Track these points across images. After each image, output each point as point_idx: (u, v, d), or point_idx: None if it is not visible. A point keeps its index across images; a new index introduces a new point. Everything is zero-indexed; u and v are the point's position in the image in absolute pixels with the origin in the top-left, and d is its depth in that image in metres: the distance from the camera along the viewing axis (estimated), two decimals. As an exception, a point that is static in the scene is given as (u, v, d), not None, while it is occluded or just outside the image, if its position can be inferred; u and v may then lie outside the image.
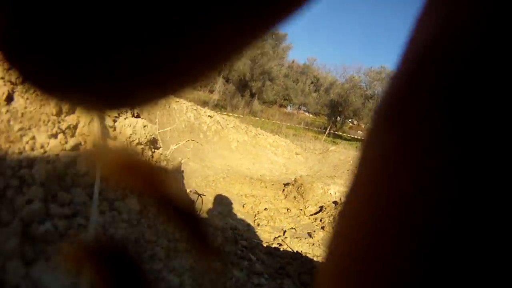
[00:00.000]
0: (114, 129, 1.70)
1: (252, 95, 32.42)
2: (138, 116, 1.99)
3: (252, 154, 10.44)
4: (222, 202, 5.36)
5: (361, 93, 33.36)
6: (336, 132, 32.03)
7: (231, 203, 5.49)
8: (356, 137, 35.23)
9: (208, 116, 10.86)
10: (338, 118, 37.03)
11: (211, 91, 35.87)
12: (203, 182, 6.41)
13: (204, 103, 28.25)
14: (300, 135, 20.95)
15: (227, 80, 32.51)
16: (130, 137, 1.72)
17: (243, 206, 5.63)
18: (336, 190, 6.96)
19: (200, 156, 8.07)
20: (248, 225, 4.72)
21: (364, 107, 32.63)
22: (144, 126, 1.84)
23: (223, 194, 5.89)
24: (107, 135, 1.59)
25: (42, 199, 1.16)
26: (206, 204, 5.02)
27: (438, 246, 0.16)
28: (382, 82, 32.61)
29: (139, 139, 1.77)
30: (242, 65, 30.64)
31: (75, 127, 1.42)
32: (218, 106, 30.80)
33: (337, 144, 20.98)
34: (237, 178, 7.49)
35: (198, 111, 10.70)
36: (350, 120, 41.17)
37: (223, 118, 11.95)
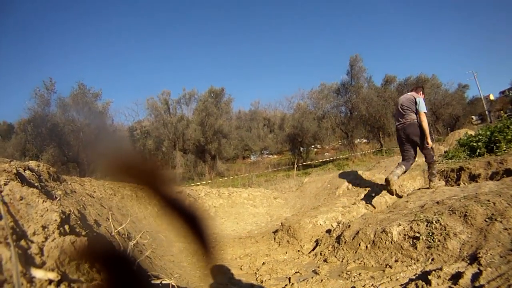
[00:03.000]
0: (41, 255, 1.63)
1: (213, 157, 32.54)
2: (66, 233, 1.95)
3: (232, 214, 10.31)
4: (219, 271, 5.16)
5: (313, 116, 33.93)
6: (305, 163, 32.27)
7: (228, 270, 5.31)
8: (325, 159, 35.61)
9: (177, 192, 10.70)
10: (301, 149, 37.49)
11: (173, 167, 35.83)
12: (194, 259, 6.19)
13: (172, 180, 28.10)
14: (272, 179, 20.95)
15: (184, 152, 32.62)
16: (59, 258, 1.67)
17: (241, 268, 5.45)
18: (324, 218, 6.91)
19: (183, 233, 7.85)
20: (252, 285, 4.55)
21: (320, 128, 33.13)
22: (73, 242, 1.81)
23: (218, 263, 5.70)
24: (33, 264, 1.53)
25: None
26: (203, 278, 4.83)
27: None
28: (327, 98, 33.31)
29: (69, 257, 1.72)
30: (193, 132, 30.84)
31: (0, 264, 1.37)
32: (185, 179, 30.66)
33: (309, 174, 21.13)
34: (226, 243, 7.32)
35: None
36: (312, 146, 41.82)
37: (192, 189, 11.85)
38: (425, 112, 7.30)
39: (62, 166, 21.41)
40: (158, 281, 2.77)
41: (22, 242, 1.63)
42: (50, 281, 1.46)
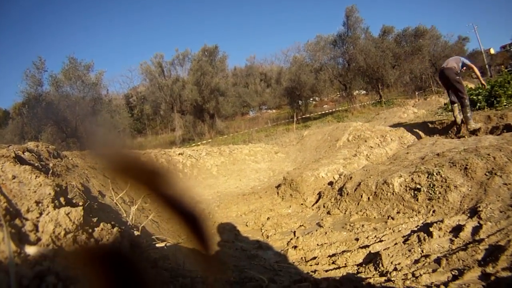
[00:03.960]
0: (36, 231, 1.64)
1: (212, 116, 32.46)
2: (62, 206, 1.94)
3: (235, 172, 10.41)
4: (225, 229, 5.29)
5: (310, 69, 33.52)
6: (304, 116, 32.20)
7: (234, 227, 5.42)
8: (324, 112, 35.53)
9: (179, 154, 10.78)
10: (300, 102, 37.30)
11: (173, 130, 35.84)
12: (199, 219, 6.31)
13: (171, 143, 28.17)
14: (272, 134, 21.01)
15: (182, 113, 32.51)
16: (54, 231, 1.66)
17: (247, 225, 5.56)
18: (326, 171, 6.98)
19: (187, 195, 7.97)
20: (258, 241, 4.66)
21: (318, 81, 32.83)
22: (68, 213, 1.78)
23: (223, 221, 5.82)
24: (27, 241, 1.54)
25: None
26: (211, 237, 4.94)
27: None
28: (324, 50, 32.79)
29: (65, 229, 1.71)
30: (189, 92, 30.60)
31: None
32: (185, 141, 30.77)
33: (309, 126, 21.15)
34: (231, 200, 7.43)
35: (167, 154, 10.62)
36: (311, 99, 41.60)
37: (193, 150, 11.90)
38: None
39: (62, 142, 21.31)
40: (162, 244, 2.81)
41: (17, 221, 1.63)
42: (45, 257, 1.46)
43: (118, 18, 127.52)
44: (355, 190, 5.25)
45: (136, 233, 2.73)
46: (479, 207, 3.42)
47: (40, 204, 1.84)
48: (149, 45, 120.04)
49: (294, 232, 4.77)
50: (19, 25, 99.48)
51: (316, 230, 4.56)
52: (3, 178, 2.02)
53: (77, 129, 23.04)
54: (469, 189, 3.99)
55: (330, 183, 6.32)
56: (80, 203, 2.39)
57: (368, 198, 4.96)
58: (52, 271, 1.35)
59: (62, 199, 2.04)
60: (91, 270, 1.09)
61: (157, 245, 2.77)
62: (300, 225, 5.06)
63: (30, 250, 1.48)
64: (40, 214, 1.76)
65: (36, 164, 2.86)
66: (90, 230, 1.90)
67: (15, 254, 1.38)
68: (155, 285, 1.44)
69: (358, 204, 5.03)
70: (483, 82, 8.14)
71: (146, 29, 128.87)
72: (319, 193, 6.24)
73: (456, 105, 8.31)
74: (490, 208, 3.32)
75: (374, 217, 4.56)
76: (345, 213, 5.03)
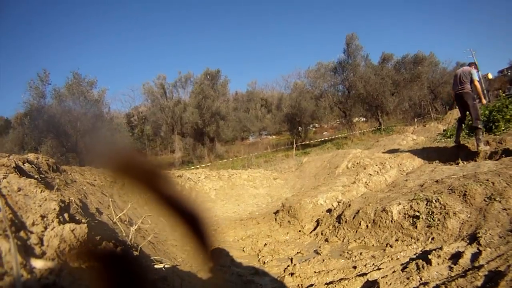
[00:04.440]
0: (41, 245, 1.63)
1: (212, 140, 32.53)
2: (66, 221, 1.94)
3: (233, 196, 10.36)
4: (222, 254, 5.22)
5: (310, 95, 33.81)
6: (304, 143, 32.27)
7: (230, 251, 5.36)
8: (323, 138, 35.61)
9: (178, 176, 10.76)
10: (300, 128, 37.45)
11: (172, 151, 35.88)
12: (196, 242, 6.24)
13: (170, 165, 28.11)
14: (271, 160, 20.97)
15: (183, 135, 32.60)
16: (59, 247, 1.66)
17: (243, 250, 5.51)
18: (324, 198, 6.95)
19: (184, 218, 7.92)
20: (254, 267, 4.60)
21: (318, 107, 33.06)
22: (73, 230, 1.78)
23: (220, 245, 5.75)
24: (32, 254, 1.53)
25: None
26: (207, 261, 4.88)
27: None
28: (324, 77, 33.12)
29: (69, 245, 1.71)
30: (190, 115, 30.76)
31: (0, 257, 1.36)
32: (184, 163, 30.75)
33: (308, 153, 21.17)
34: (228, 225, 7.37)
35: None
36: (311, 126, 41.80)
37: (192, 173, 11.88)
38: (478, 80, 8.20)
39: (61, 156, 21.35)
40: (161, 265, 2.79)
41: (22, 233, 1.63)
42: (51, 271, 1.46)
43: (123, 37, 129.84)
44: (353, 217, 5.21)
45: (135, 253, 2.71)
46: (478, 233, 3.39)
47: (45, 219, 1.84)
48: (152, 65, 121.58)
49: (291, 259, 4.72)
50: (26, 36, 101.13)
51: (314, 258, 4.51)
52: (8, 189, 2.02)
53: (77, 144, 23.10)
54: (468, 215, 3.96)
55: (329, 211, 6.29)
56: (83, 220, 2.40)
57: (367, 225, 4.92)
58: (58, 286, 1.37)
59: (66, 215, 2.04)
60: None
61: (155, 266, 2.75)
62: (297, 252, 5.01)
63: (36, 263, 1.48)
64: (45, 228, 1.76)
65: (36, 177, 2.85)
66: (93, 248, 1.91)
67: (21, 266, 1.38)
68: None
69: (356, 231, 4.98)
70: (483, 100, 8.30)
71: (150, 49, 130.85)
72: (317, 220, 6.20)
73: (463, 125, 8.73)
74: (490, 234, 3.29)
75: (373, 245, 4.51)
76: (343, 241, 4.98)
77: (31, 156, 3.52)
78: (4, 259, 1.38)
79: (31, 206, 1.94)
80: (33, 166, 3.14)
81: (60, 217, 1.95)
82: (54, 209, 1.96)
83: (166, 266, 2.83)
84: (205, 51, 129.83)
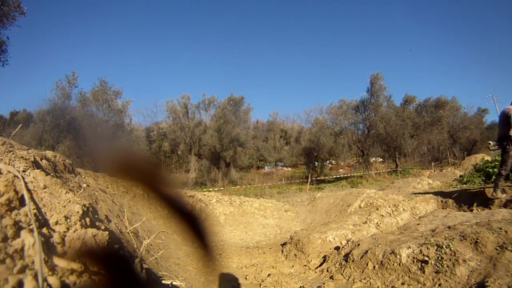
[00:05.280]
0: (63, 245, 1.64)
1: (227, 165, 32.60)
2: (87, 226, 1.96)
3: (242, 223, 10.31)
4: (224, 279, 5.16)
5: (330, 132, 33.83)
6: (319, 178, 32.11)
7: (233, 278, 5.30)
8: (339, 176, 35.40)
9: (189, 196, 10.77)
10: (316, 163, 37.35)
11: (187, 171, 36.03)
12: (199, 263, 6.19)
13: (183, 184, 28.19)
14: (284, 192, 20.88)
15: (199, 157, 32.77)
16: (80, 249, 1.68)
17: (246, 278, 5.45)
18: (334, 235, 6.87)
19: (191, 238, 7.89)
20: (255, 297, 4.54)
21: (337, 144, 32.98)
22: (94, 236, 1.82)
23: (223, 271, 5.70)
24: (55, 253, 1.54)
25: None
26: (208, 284, 4.84)
27: None
28: (346, 115, 33.14)
29: (90, 249, 1.75)
30: (209, 138, 30.98)
31: (22, 250, 1.38)
32: (198, 184, 30.82)
33: (322, 189, 21.01)
34: (234, 251, 7.32)
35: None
36: (327, 161, 41.64)
37: (204, 195, 11.89)
38: None
39: (77, 159, 21.67)
40: (169, 282, 2.78)
41: (44, 230, 1.64)
42: (72, 272, 1.48)
43: (154, 51, 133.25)
44: (361, 257, 5.12)
45: (145, 265, 2.73)
46: (487, 282, 3.30)
47: (68, 220, 1.88)
48: (178, 84, 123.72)
49: (294, 293, 4.65)
50: (60, 36, 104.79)
51: (317, 294, 4.44)
52: (34, 185, 2.05)
53: (95, 150, 23.29)
54: (478, 263, 3.86)
55: (337, 248, 6.20)
56: (103, 227, 2.42)
57: (374, 266, 4.83)
58: (78, 286, 1.40)
59: (88, 220, 2.06)
60: None
61: (163, 281, 2.75)
62: (300, 286, 4.93)
63: (58, 261, 1.50)
64: (68, 229, 1.79)
65: (52, 174, 2.90)
66: (112, 256, 1.93)
67: (43, 262, 1.39)
68: None
69: (362, 272, 4.89)
70: None
71: (178, 68, 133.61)
72: (324, 257, 6.11)
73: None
74: (498, 283, 3.20)
75: (378, 287, 4.42)
76: (348, 280, 4.89)
77: (49, 153, 3.59)
78: (27, 252, 1.40)
79: (56, 205, 1.97)
80: (50, 164, 3.19)
81: (82, 220, 1.98)
82: (78, 212, 1.99)
83: (173, 283, 2.83)
84: (231, 76, 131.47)
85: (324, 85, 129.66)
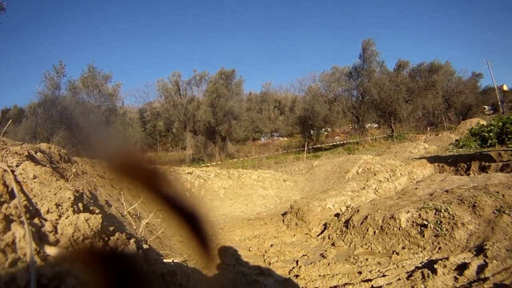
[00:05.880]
0: (55, 233, 1.65)
1: (223, 139, 32.56)
2: (80, 211, 1.95)
3: (242, 196, 10.39)
4: (228, 252, 5.26)
5: (324, 99, 33.65)
6: (315, 146, 32.17)
7: (236, 251, 5.39)
8: (335, 143, 35.50)
9: (188, 173, 10.82)
10: (312, 132, 37.36)
11: (183, 148, 36.06)
12: (203, 240, 6.27)
13: (181, 162, 28.27)
14: (281, 162, 20.96)
15: (194, 133, 32.71)
16: (73, 235, 1.67)
17: (249, 250, 5.53)
18: (333, 202, 6.94)
19: (190, 217, 7.96)
20: (259, 267, 4.62)
21: (331, 111, 32.86)
22: (87, 220, 1.79)
23: (226, 244, 5.79)
24: (46, 242, 1.54)
25: (-15, 317, 1.15)
26: (213, 259, 4.91)
27: None
28: (339, 81, 32.92)
29: (83, 234, 1.72)
30: (203, 113, 30.83)
31: (13, 243, 1.38)
32: (195, 160, 30.87)
33: (319, 157, 21.10)
34: (235, 224, 7.39)
35: (176, 171, 10.65)
36: (323, 129, 41.66)
37: (202, 170, 11.93)
38: None
39: (73, 148, 21.56)
40: (170, 259, 2.81)
41: (36, 220, 1.64)
42: (65, 259, 1.47)
43: (141, 33, 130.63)
44: (361, 223, 5.20)
45: (144, 246, 2.74)
46: (486, 245, 3.37)
47: (60, 207, 1.86)
48: (167, 63, 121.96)
49: (297, 261, 4.72)
50: (43, 28, 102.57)
51: (319, 261, 4.52)
52: (24, 176, 2.03)
53: (89, 136, 23.25)
54: (477, 227, 3.94)
55: (337, 215, 6.28)
56: (97, 211, 2.42)
57: (374, 232, 4.91)
58: (72, 274, 1.37)
59: (80, 205, 2.06)
60: (108, 278, 1.10)
61: (164, 260, 2.77)
62: (303, 255, 5.02)
63: (50, 250, 1.49)
64: (60, 216, 1.78)
65: (47, 165, 2.89)
66: (106, 238, 1.95)
67: (35, 253, 1.39)
68: None
69: (363, 237, 4.98)
70: None
71: (166, 47, 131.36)
72: (325, 224, 6.20)
73: None
74: (497, 247, 3.27)
75: (379, 251, 4.51)
76: (349, 246, 4.98)
77: (43, 146, 3.57)
78: (18, 245, 1.39)
79: (46, 194, 1.95)
80: (45, 155, 3.18)
81: (75, 206, 1.96)
82: (69, 198, 1.97)
83: (175, 260, 2.86)
84: (220, 51, 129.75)
85: (315, 54, 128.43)
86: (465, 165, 8.43)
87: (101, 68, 25.23)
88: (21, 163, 2.18)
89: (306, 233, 6.13)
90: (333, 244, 5.21)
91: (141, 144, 32.26)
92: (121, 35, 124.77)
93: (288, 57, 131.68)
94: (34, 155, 2.86)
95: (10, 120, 3.34)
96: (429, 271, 3.28)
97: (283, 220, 7.08)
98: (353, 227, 5.28)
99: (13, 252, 1.36)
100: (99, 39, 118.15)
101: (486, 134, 10.46)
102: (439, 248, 3.92)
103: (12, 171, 1.92)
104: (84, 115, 23.63)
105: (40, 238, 1.54)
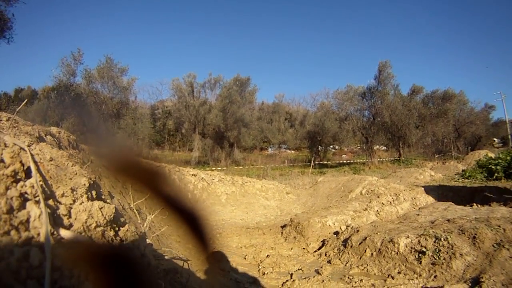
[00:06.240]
0: (69, 217, 1.66)
1: (231, 145, 32.60)
2: (93, 199, 1.96)
3: (243, 204, 10.39)
4: (223, 258, 5.24)
5: (335, 117, 33.64)
6: (321, 162, 32.15)
7: (232, 257, 5.39)
8: (341, 161, 35.43)
9: (192, 175, 10.85)
10: (320, 148, 37.33)
11: (190, 150, 36.14)
12: (199, 242, 6.28)
13: (186, 163, 28.33)
14: (286, 174, 20.95)
15: (203, 136, 32.80)
16: (86, 221, 1.68)
17: (245, 258, 5.54)
18: (334, 220, 6.93)
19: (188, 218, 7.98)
20: (252, 276, 4.62)
21: (341, 130, 32.82)
22: (101, 208, 1.80)
23: (223, 249, 5.79)
24: (61, 225, 1.56)
25: (-3, 295, 1.17)
26: (207, 262, 4.92)
27: None
28: (352, 100, 32.92)
29: (96, 222, 1.73)
30: (214, 117, 30.92)
31: (27, 221, 1.39)
32: (201, 163, 30.94)
33: (325, 173, 21.07)
34: (234, 231, 7.41)
35: (181, 171, 10.70)
36: (331, 146, 41.61)
37: (207, 174, 11.96)
38: None
39: (81, 135, 21.61)
40: (170, 256, 2.83)
41: (50, 202, 1.64)
42: (79, 243, 1.50)
43: (161, 30, 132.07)
44: (359, 243, 5.19)
45: (148, 241, 2.77)
46: (482, 278, 3.36)
47: (74, 192, 1.88)
48: (184, 62, 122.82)
49: (291, 275, 4.72)
50: (64, 13, 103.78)
51: (314, 277, 4.51)
52: (41, 157, 2.05)
53: (99, 126, 23.44)
54: (475, 258, 3.92)
55: (336, 233, 6.27)
56: (108, 200, 2.43)
57: (372, 253, 4.90)
58: (85, 258, 1.37)
59: (94, 193, 2.08)
60: (118, 267, 1.11)
61: (166, 257, 2.79)
62: (298, 269, 5.01)
63: (65, 233, 1.51)
64: (74, 201, 1.80)
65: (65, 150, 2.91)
66: (117, 229, 1.97)
67: (50, 234, 1.39)
68: None
69: (360, 258, 4.96)
70: None
71: (184, 46, 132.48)
72: (323, 241, 6.19)
73: None
74: (493, 280, 3.26)
75: (374, 274, 4.49)
76: (345, 265, 4.97)
77: (54, 129, 3.61)
78: (32, 224, 1.40)
79: (62, 178, 1.97)
80: (55, 139, 3.21)
81: (89, 193, 1.98)
82: (84, 184, 1.99)
83: (175, 259, 2.88)
84: (237, 57, 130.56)
85: (331, 71, 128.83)
86: (469, 196, 8.40)
87: (118, 61, 25.43)
88: (32, 143, 2.19)
89: (304, 248, 6.12)
90: (329, 262, 5.20)
91: (149, 141, 32.39)
92: (141, 30, 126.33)
93: (303, 71, 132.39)
94: (44, 137, 2.88)
95: (26, 100, 3.37)
96: (423, 299, 3.27)
97: (282, 232, 7.08)
98: (351, 246, 5.27)
99: (27, 231, 1.37)
100: (120, 30, 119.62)
101: (493, 167, 10.40)
102: (435, 276, 3.90)
103: (29, 150, 1.94)
104: (96, 105, 23.81)
105: (54, 220, 1.55)
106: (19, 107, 2.74)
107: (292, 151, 50.84)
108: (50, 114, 23.19)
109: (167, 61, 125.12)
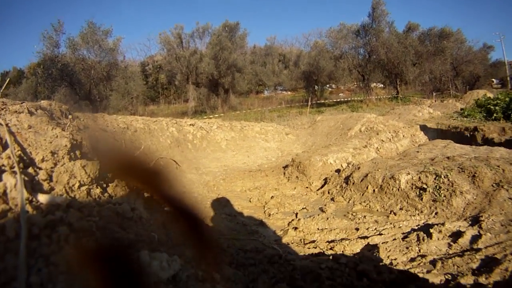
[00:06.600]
0: (50, 181, 1.64)
1: (226, 91, 32.30)
2: (78, 159, 1.95)
3: (244, 148, 10.47)
4: (228, 203, 5.37)
5: (330, 56, 33.06)
6: (318, 101, 32.04)
7: (237, 201, 5.50)
8: (339, 100, 35.32)
9: (190, 125, 10.84)
10: (316, 87, 37.04)
11: (186, 101, 35.84)
12: (204, 189, 6.41)
13: (183, 114, 28.24)
14: (284, 115, 20.96)
15: (197, 85, 32.41)
16: (68, 182, 1.66)
17: (250, 201, 5.65)
18: (334, 158, 7.02)
19: (194, 165, 8.06)
20: (259, 218, 4.74)
21: (337, 68, 32.40)
22: (84, 166, 1.78)
23: (227, 194, 5.90)
24: (40, 190, 1.53)
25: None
26: (213, 208, 5.04)
27: None
28: (346, 39, 32.25)
29: (79, 181, 1.71)
30: (206, 66, 30.41)
31: (4, 193, 1.37)
32: (197, 112, 30.83)
33: (322, 112, 21.10)
34: (237, 175, 7.51)
35: (178, 123, 10.68)
36: (327, 85, 41.27)
37: (205, 122, 11.95)
38: None
39: (75, 104, 21.22)
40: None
41: (30, 170, 1.63)
42: (58, 207, 1.43)
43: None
44: (361, 180, 5.29)
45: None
46: (482, 216, 3.45)
47: (55, 155, 1.87)
48: (170, 15, 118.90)
49: (296, 214, 4.85)
50: None
51: (318, 215, 4.64)
52: (18, 127, 2.02)
53: (91, 92, 23.27)
54: (474, 197, 4.01)
55: (338, 171, 6.37)
56: (96, 158, 2.41)
57: (374, 190, 5.00)
58: (64, 221, 1.34)
59: (78, 152, 2.06)
60: (103, 224, 1.11)
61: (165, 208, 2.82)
62: (303, 208, 5.14)
63: (43, 198, 1.47)
64: (55, 164, 1.78)
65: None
66: (105, 185, 1.93)
67: (26, 202, 1.37)
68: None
69: (362, 194, 5.08)
70: None
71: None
72: (325, 179, 6.30)
73: None
74: (492, 220, 3.35)
75: (377, 210, 4.62)
76: (348, 202, 5.09)
77: (44, 103, 3.54)
78: (10, 195, 1.39)
79: (41, 143, 1.95)
80: (46, 112, 3.16)
81: (72, 153, 1.98)
82: (65, 145, 1.98)
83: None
84: (225, 3, 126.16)
85: (323, 9, 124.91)
86: (468, 134, 8.46)
87: (101, 23, 24.61)
88: (12, 118, 2.13)
89: (307, 187, 6.25)
90: (332, 199, 5.32)
91: (143, 98, 32.09)
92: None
93: (294, 11, 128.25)
94: (34, 112, 2.84)
95: (8, 79, 3.30)
96: (425, 235, 3.37)
97: (284, 173, 7.18)
98: (353, 183, 5.38)
99: (4, 203, 1.35)
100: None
101: (492, 107, 10.40)
102: (436, 213, 4.01)
103: (7, 124, 1.91)
104: (85, 71, 23.44)
105: (33, 187, 1.54)
106: (2, 88, 2.68)
107: (289, 92, 50.46)
108: (40, 89, 22.72)
109: (152, 16, 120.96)
